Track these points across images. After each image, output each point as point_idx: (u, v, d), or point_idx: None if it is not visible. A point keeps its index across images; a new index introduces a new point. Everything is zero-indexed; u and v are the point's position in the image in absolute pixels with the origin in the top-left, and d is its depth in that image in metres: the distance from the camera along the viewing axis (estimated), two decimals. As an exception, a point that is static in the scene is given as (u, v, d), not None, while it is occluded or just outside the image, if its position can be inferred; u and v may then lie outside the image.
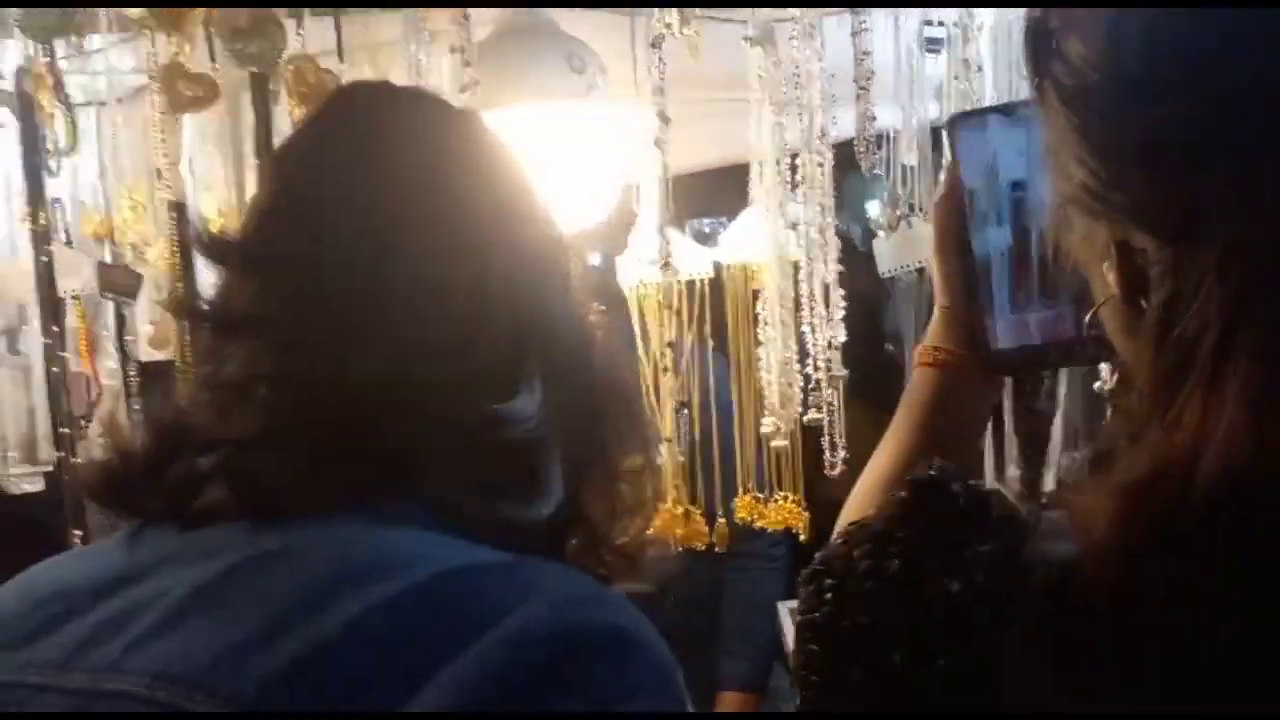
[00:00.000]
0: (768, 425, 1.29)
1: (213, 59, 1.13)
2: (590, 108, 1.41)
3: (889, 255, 1.50)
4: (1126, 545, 0.54)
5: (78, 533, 1.17)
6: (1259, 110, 0.53)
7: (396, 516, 0.61)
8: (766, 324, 1.26)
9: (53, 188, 1.66)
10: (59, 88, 1.40)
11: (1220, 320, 0.55)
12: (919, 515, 0.67)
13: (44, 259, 0.98)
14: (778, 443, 1.29)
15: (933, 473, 0.71)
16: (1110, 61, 0.54)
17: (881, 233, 1.51)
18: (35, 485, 1.90)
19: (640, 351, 1.60)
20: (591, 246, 1.57)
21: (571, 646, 0.52)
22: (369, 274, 0.65)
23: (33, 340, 1.56)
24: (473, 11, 1.41)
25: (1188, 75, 0.54)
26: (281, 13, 1.13)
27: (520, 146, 1.42)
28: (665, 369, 1.53)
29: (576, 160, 1.47)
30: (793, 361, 1.25)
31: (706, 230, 2.61)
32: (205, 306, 0.69)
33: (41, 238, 1.00)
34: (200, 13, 1.05)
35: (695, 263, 1.56)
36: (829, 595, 0.71)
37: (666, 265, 1.47)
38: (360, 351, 0.63)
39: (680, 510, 1.60)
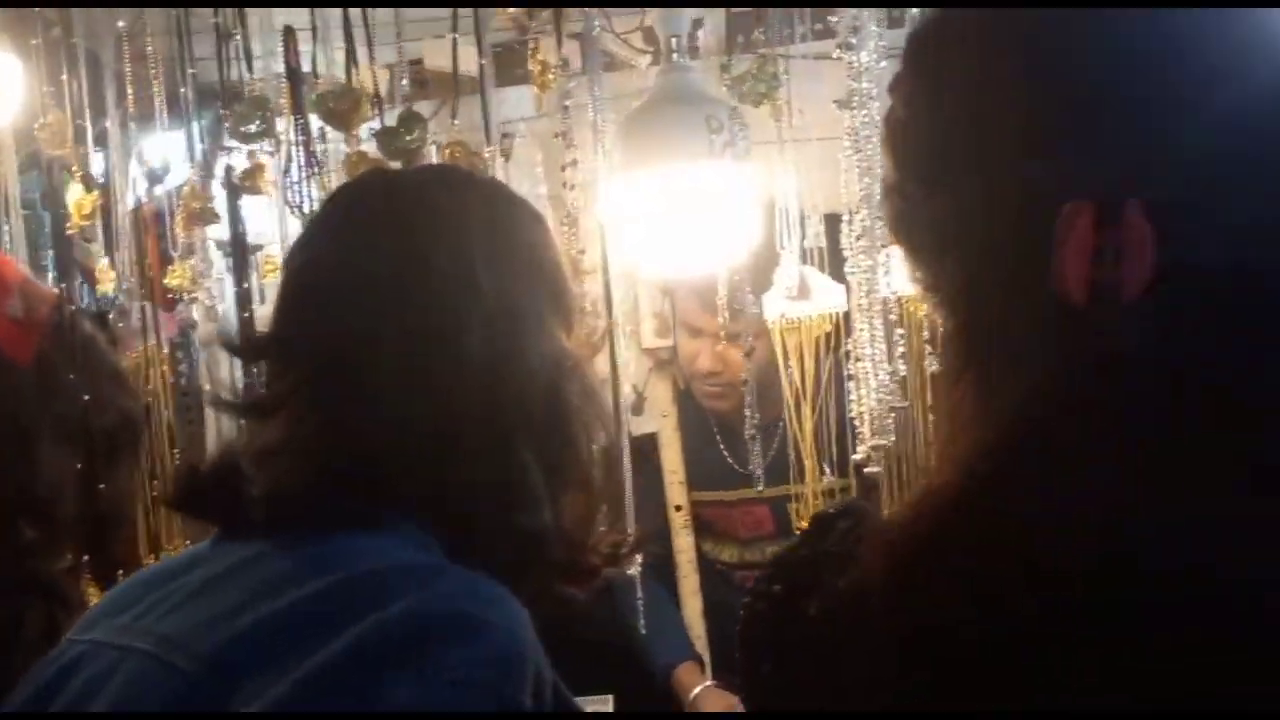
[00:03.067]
0: (859, 453, 1.40)
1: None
2: (724, 165, 1.57)
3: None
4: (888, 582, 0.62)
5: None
6: None
7: (381, 530, 0.81)
8: (858, 360, 1.37)
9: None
10: (310, 162, 1.75)
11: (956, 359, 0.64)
12: (806, 547, 0.78)
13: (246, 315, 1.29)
14: (871, 469, 1.40)
15: (831, 510, 0.82)
16: None
17: None
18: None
19: (783, 378, 1.74)
20: (738, 284, 1.72)
21: (419, 629, 0.71)
22: (364, 352, 0.84)
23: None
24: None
25: None
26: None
27: (667, 201, 1.62)
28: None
29: (717, 209, 1.64)
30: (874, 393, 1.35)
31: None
32: (234, 396, 0.93)
33: (245, 298, 1.31)
34: (363, 114, 1.33)
35: (830, 298, 1.68)
36: (741, 611, 0.84)
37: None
38: (357, 420, 0.83)
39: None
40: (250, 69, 1.53)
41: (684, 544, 2.20)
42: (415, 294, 0.86)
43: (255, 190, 1.42)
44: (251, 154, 1.41)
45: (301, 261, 0.91)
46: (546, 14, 1.98)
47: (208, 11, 1.70)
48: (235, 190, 1.35)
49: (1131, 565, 0.53)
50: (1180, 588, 0.52)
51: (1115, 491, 0.53)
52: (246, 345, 0.91)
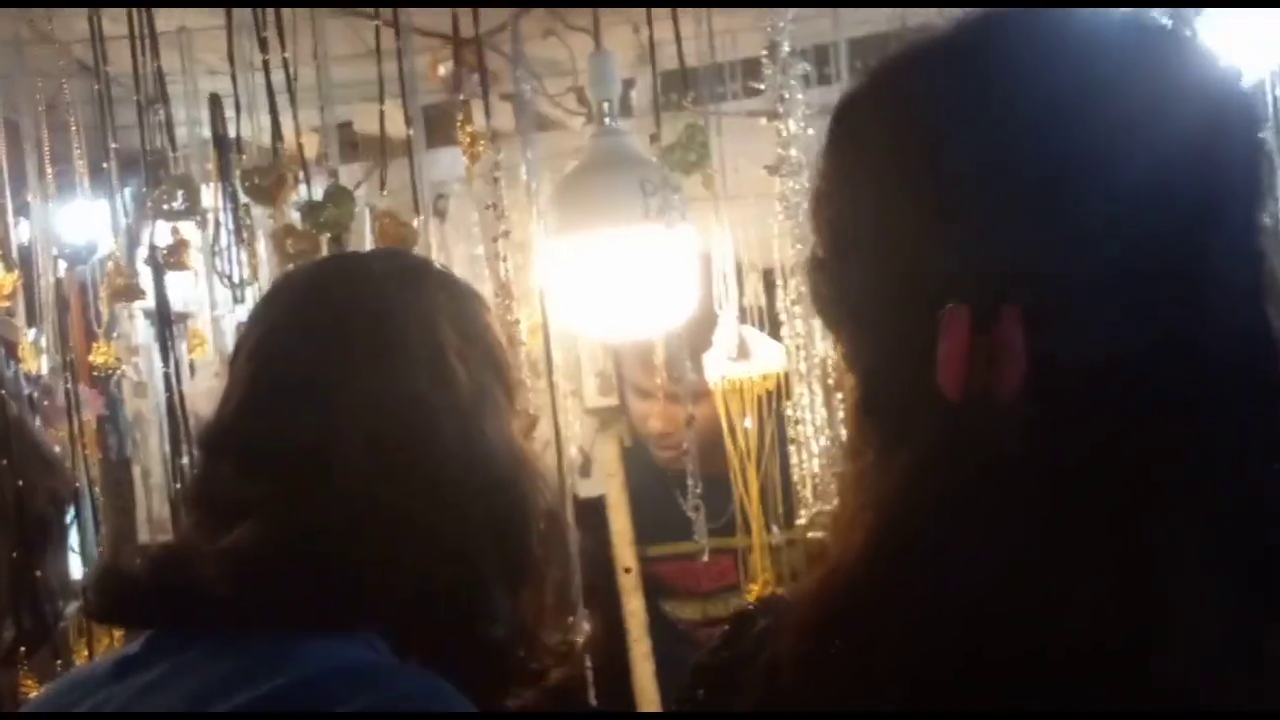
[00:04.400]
0: (803, 518, 1.39)
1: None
2: (659, 228, 1.56)
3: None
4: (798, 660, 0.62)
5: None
6: None
7: (332, 633, 0.79)
8: (798, 423, 1.36)
9: (241, 313, 2.00)
10: (239, 231, 1.72)
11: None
12: (727, 648, 0.77)
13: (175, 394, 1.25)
14: (814, 533, 1.39)
15: (751, 608, 0.81)
16: None
17: None
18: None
19: (728, 440, 1.72)
20: (677, 346, 1.71)
21: None
22: (338, 451, 0.83)
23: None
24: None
25: None
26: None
27: (603, 264, 1.60)
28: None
29: (655, 271, 1.63)
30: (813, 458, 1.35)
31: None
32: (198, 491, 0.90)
33: (173, 376, 1.28)
34: (289, 189, 1.31)
35: (770, 358, 1.67)
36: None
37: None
38: (329, 523, 0.81)
39: (769, 592, 1.71)
40: (173, 142, 1.50)
41: (635, 607, 2.17)
42: (392, 387, 0.84)
43: (180, 266, 1.38)
44: (176, 230, 1.38)
45: (268, 355, 0.88)
46: (476, 78, 1.97)
47: (130, 79, 1.67)
48: (160, 268, 1.32)
49: (993, 657, 0.54)
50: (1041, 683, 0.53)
51: (981, 585, 0.54)
52: (213, 442, 0.87)
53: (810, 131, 1.23)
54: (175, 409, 1.27)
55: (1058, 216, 0.56)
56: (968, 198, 0.57)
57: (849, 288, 0.64)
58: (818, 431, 1.27)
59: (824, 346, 1.26)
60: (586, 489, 2.16)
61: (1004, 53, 0.60)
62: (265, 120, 1.81)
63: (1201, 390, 0.56)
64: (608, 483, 2.20)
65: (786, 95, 1.24)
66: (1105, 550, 0.55)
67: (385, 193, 1.41)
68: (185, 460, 1.34)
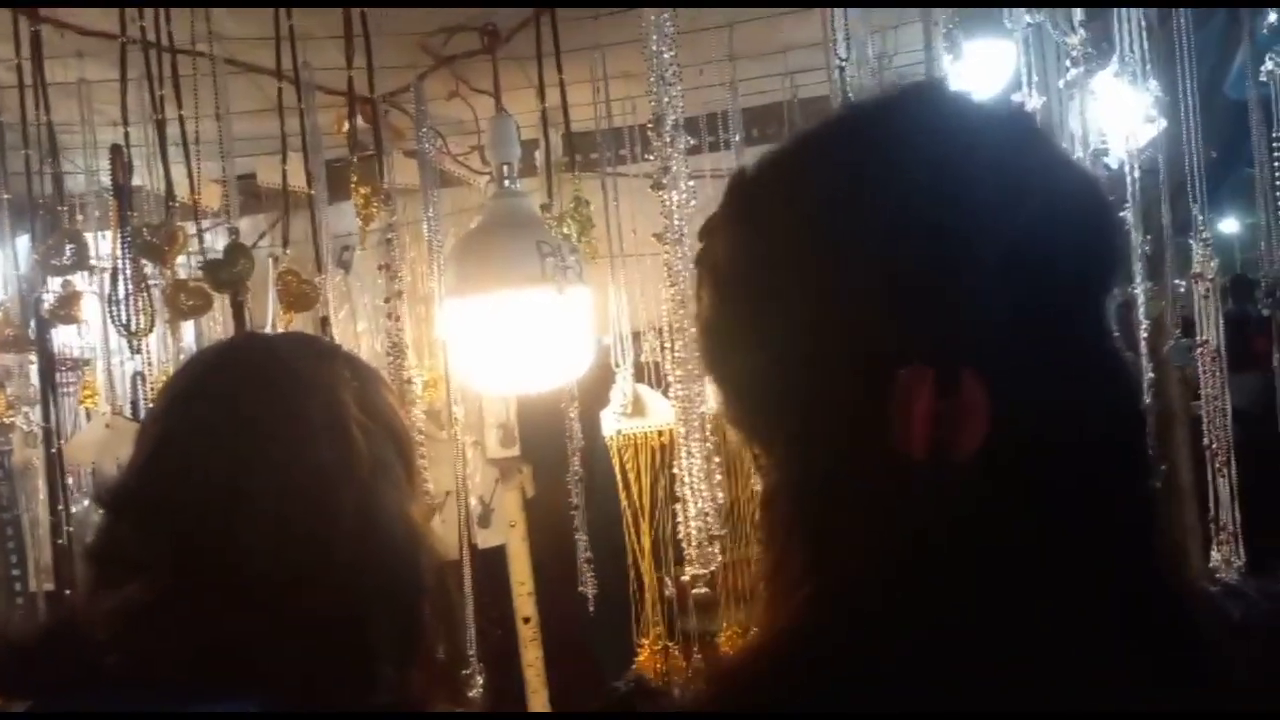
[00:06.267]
0: (687, 574, 1.41)
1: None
2: (552, 291, 1.59)
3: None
4: None
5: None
6: None
7: (224, 699, 0.79)
8: (683, 483, 1.39)
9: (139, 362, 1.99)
10: (139, 281, 1.71)
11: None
12: None
13: (53, 450, 1.25)
14: (698, 590, 1.41)
15: (619, 686, 0.83)
16: None
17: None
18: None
19: (620, 493, 1.75)
20: (574, 402, 1.74)
21: None
22: (220, 526, 0.83)
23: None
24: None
25: None
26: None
27: (500, 322, 1.62)
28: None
29: (551, 329, 1.66)
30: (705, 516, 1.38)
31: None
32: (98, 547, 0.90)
33: (50, 433, 1.27)
34: (180, 246, 1.32)
35: (664, 414, 1.71)
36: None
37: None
38: (224, 584, 0.82)
39: (660, 647, 1.73)
40: (61, 196, 1.49)
41: (532, 657, 2.17)
42: (294, 456, 0.86)
43: (71, 320, 1.38)
44: (67, 282, 1.38)
45: (175, 421, 0.89)
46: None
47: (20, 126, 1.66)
48: (44, 322, 1.31)
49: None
50: None
51: (958, 643, 0.56)
52: (115, 500, 0.88)
53: (693, 202, 1.27)
54: (54, 463, 1.26)
55: (1006, 286, 0.58)
56: (918, 267, 0.58)
57: (764, 361, 0.63)
58: (696, 494, 1.30)
59: (708, 407, 1.30)
60: (486, 540, 2.16)
61: (938, 127, 0.62)
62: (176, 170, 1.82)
63: (1117, 443, 0.60)
64: (508, 533, 2.21)
65: (672, 166, 1.28)
66: (1057, 606, 0.57)
67: (288, 250, 1.42)
68: (62, 510, 1.33)
